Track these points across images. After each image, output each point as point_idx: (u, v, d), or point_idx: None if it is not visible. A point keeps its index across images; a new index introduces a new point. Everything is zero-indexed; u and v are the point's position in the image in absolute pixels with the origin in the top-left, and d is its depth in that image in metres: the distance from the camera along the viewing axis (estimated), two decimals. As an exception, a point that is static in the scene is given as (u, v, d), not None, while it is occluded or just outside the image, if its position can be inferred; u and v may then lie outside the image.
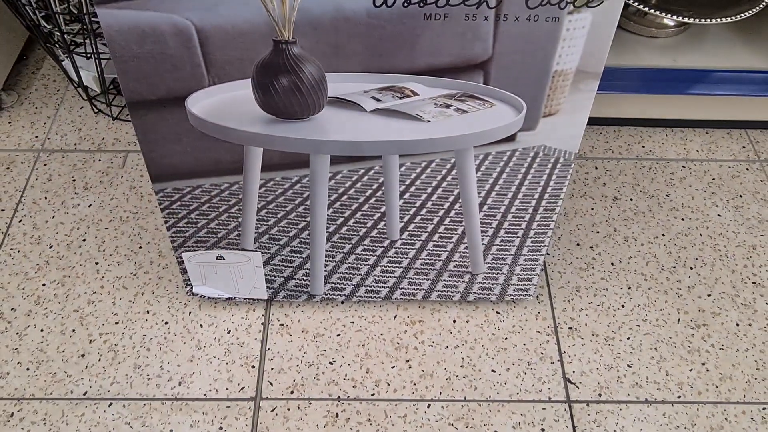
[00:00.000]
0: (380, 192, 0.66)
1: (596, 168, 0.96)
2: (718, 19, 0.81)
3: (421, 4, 0.51)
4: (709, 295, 0.82)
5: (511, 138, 0.60)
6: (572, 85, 0.56)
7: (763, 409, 0.72)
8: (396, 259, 0.72)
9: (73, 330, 0.77)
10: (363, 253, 0.71)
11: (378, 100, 0.57)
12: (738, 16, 0.81)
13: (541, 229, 0.69)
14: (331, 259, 0.72)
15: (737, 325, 0.79)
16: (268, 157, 0.62)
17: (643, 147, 0.99)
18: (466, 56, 0.54)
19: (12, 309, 0.78)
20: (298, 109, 0.57)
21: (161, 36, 0.52)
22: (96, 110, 0.99)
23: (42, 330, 0.77)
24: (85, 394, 0.71)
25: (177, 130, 0.59)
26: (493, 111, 0.58)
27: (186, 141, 0.60)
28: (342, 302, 0.79)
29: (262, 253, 0.72)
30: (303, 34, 0.52)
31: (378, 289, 0.76)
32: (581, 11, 0.51)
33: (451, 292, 0.76)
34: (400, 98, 0.57)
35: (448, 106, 0.58)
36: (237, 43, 0.53)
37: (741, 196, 0.93)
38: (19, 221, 0.87)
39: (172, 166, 0.62)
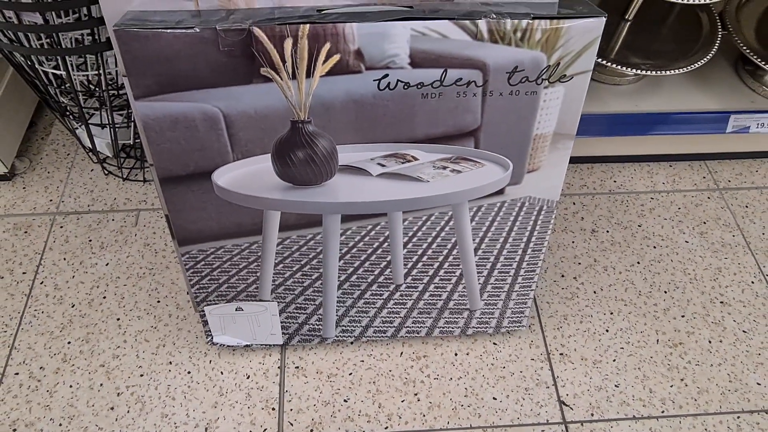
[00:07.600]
0: (386, 244, 0.73)
1: (574, 203, 1.05)
2: (673, 71, 0.91)
3: (419, 86, 0.59)
4: (683, 316, 0.90)
5: (500, 192, 0.68)
6: (551, 145, 0.65)
7: (738, 417, 0.80)
8: (401, 301, 0.79)
9: (101, 384, 0.81)
10: (371, 297, 0.78)
11: (383, 165, 0.65)
12: (690, 67, 0.91)
13: (531, 267, 0.77)
14: (342, 304, 0.79)
15: (710, 342, 0.88)
16: (285, 218, 0.69)
17: (615, 182, 1.09)
18: (459, 126, 0.63)
19: (41, 368, 0.83)
20: (312, 177, 0.64)
21: (192, 122, 0.59)
22: (106, 172, 1.05)
23: (71, 386, 0.81)
24: (117, 445, 0.76)
25: (203, 199, 0.66)
26: (484, 170, 0.66)
27: (211, 208, 0.67)
28: (351, 343, 0.86)
29: (278, 302, 0.78)
30: (317, 114, 0.60)
31: (385, 329, 0.82)
32: (555, 86, 0.60)
33: (452, 328, 0.83)
34: (403, 163, 0.65)
35: (444, 167, 0.66)
36: (259, 125, 0.60)
37: (705, 222, 1.02)
38: (41, 283, 0.92)
39: (197, 230, 0.69)
